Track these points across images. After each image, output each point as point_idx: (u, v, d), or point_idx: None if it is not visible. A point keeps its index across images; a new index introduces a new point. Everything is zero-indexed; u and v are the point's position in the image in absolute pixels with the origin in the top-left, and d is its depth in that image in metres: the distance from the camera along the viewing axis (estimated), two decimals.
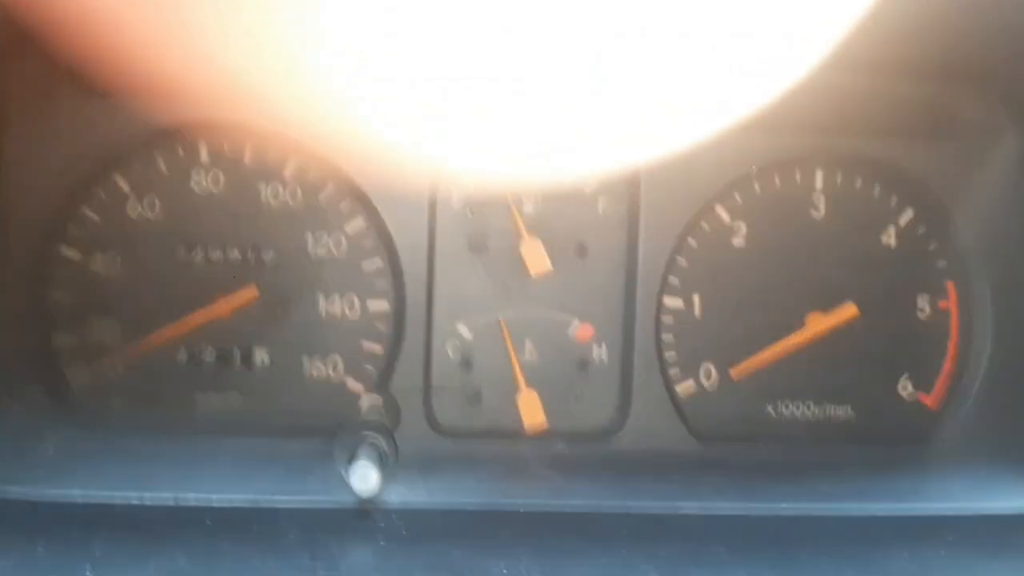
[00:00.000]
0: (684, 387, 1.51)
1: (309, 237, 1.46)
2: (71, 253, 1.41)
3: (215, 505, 1.13)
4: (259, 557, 0.98)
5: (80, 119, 1.37)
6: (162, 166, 1.43)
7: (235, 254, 1.44)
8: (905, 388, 1.55)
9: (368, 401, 1.42)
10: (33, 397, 1.36)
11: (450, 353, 1.50)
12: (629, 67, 0.56)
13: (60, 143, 1.36)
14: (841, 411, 1.54)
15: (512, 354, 1.49)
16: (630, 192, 1.49)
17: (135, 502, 1.12)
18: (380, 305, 1.48)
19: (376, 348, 1.48)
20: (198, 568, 0.95)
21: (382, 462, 1.13)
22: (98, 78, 1.33)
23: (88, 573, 0.93)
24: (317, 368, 1.47)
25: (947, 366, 1.55)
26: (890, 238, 1.54)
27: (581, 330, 1.51)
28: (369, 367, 1.48)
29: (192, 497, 1.14)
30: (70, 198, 1.40)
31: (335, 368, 1.48)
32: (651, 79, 0.57)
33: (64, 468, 1.23)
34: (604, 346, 1.51)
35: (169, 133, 1.41)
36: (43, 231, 1.38)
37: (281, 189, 1.45)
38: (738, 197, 1.50)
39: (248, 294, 1.44)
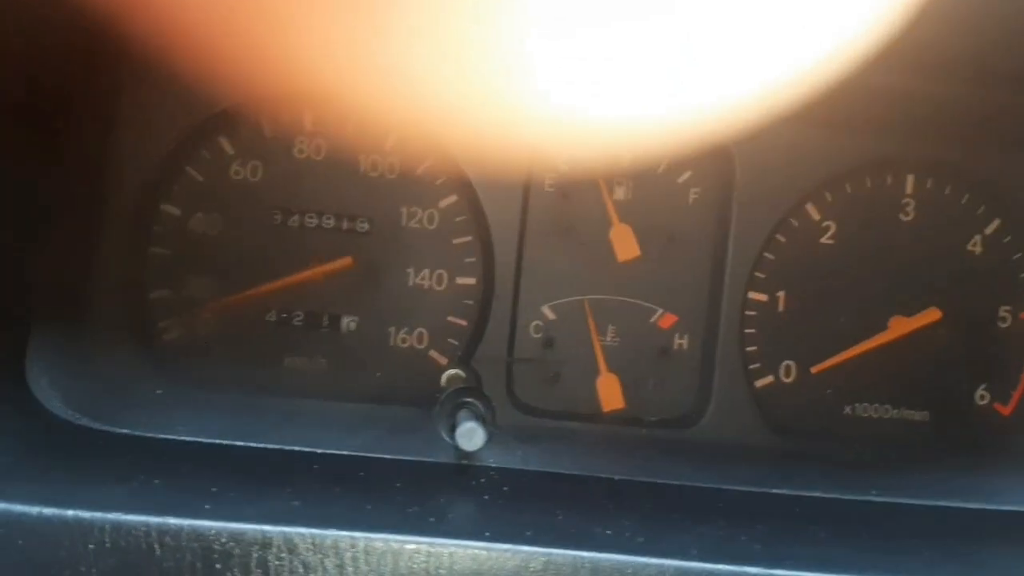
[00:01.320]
0: (764, 381, 1.52)
1: (404, 210, 1.48)
2: (173, 210, 1.44)
3: (321, 453, 1.14)
4: (371, 503, 1.00)
5: (188, 82, 1.40)
6: (266, 131, 1.45)
7: (331, 222, 1.47)
8: (983, 397, 1.55)
9: (450, 373, 1.44)
10: (130, 348, 1.39)
11: (533, 332, 1.51)
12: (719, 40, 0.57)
13: (170, 104, 1.39)
14: (917, 415, 1.55)
15: (594, 337, 1.51)
16: (722, 184, 1.50)
17: (242, 446, 1.14)
18: (468, 280, 1.50)
19: (461, 323, 1.50)
20: (312, 510, 0.97)
21: (482, 422, 1.15)
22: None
23: (207, 507, 0.94)
24: (403, 338, 1.49)
25: None
26: (976, 246, 1.55)
27: (664, 318, 1.52)
28: (454, 341, 1.50)
29: (295, 447, 1.16)
30: (176, 157, 1.42)
31: (420, 340, 1.50)
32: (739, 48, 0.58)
33: (168, 412, 1.25)
34: (686, 336, 1.52)
35: (275, 100, 1.44)
36: (148, 187, 1.41)
37: (380, 161, 1.48)
38: (829, 196, 1.52)
39: (342, 263, 1.46)
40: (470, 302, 1.50)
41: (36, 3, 1.15)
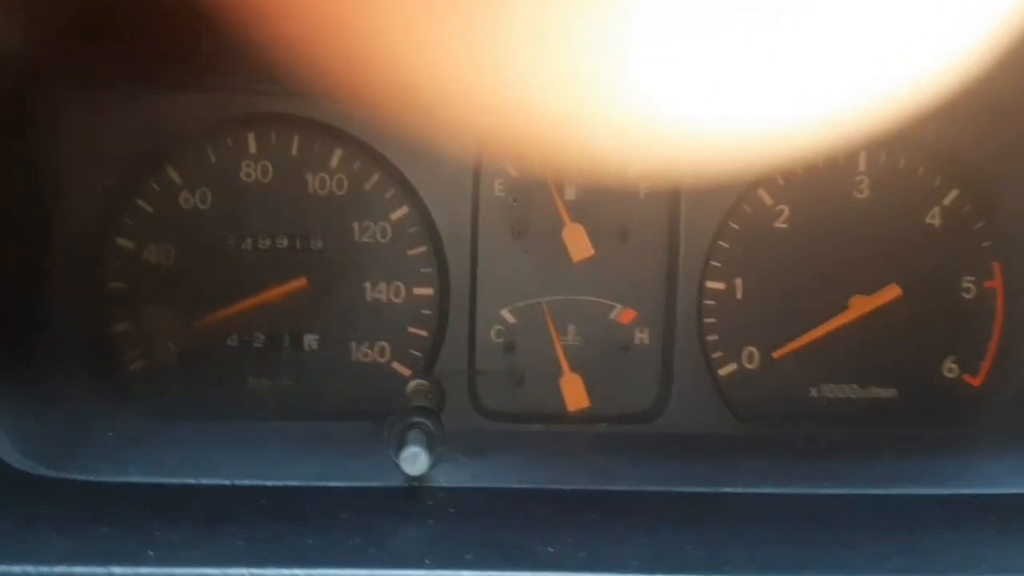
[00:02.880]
0: (726, 369, 1.52)
1: (355, 225, 1.49)
2: (126, 243, 1.45)
3: (269, 486, 1.16)
4: (314, 537, 1.02)
5: (133, 112, 1.41)
6: (212, 157, 1.46)
7: (284, 242, 1.48)
8: (951, 370, 1.54)
9: (414, 385, 1.45)
10: (92, 383, 1.41)
11: (493, 337, 1.52)
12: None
13: (113, 136, 1.40)
14: (885, 392, 1.54)
15: (555, 338, 1.51)
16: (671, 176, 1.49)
17: (192, 484, 1.16)
18: (425, 291, 1.50)
19: (422, 333, 1.51)
20: (256, 548, 0.99)
21: (430, 443, 1.16)
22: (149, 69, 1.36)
23: (150, 553, 0.96)
24: (365, 353, 1.50)
25: (993, 347, 1.54)
26: (935, 219, 1.53)
27: (623, 314, 1.52)
28: (415, 351, 1.51)
29: (247, 480, 1.18)
30: (124, 190, 1.44)
31: (382, 353, 1.51)
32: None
33: (123, 452, 1.28)
34: (647, 330, 1.52)
35: (219, 125, 1.44)
36: (99, 223, 1.43)
37: (327, 179, 1.48)
38: (780, 180, 1.50)
39: (298, 283, 1.47)
40: (428, 312, 1.51)
41: None
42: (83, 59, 1.34)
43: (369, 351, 1.51)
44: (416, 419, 1.20)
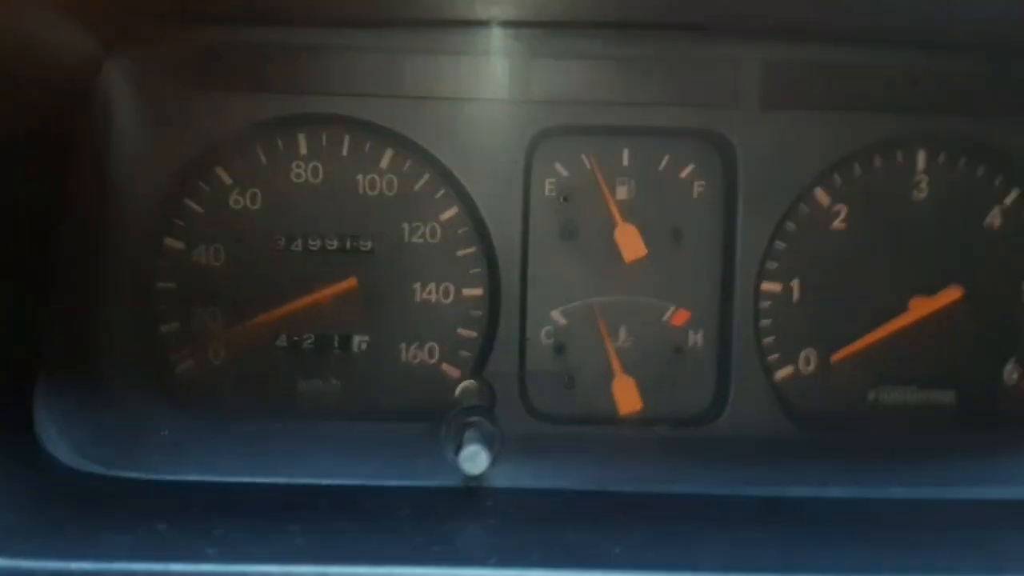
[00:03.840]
0: (783, 372, 1.49)
1: (405, 226, 1.48)
2: (176, 244, 1.45)
3: (326, 485, 1.14)
4: (375, 536, 0.99)
5: (183, 114, 1.40)
6: (263, 158, 1.45)
7: (333, 243, 1.46)
8: (1011, 373, 1.50)
9: (464, 385, 1.43)
10: (142, 384, 1.40)
11: (544, 339, 1.50)
12: None
13: (165, 136, 1.39)
14: (945, 396, 1.51)
15: (607, 340, 1.49)
16: (727, 176, 1.47)
17: (249, 483, 1.15)
18: (475, 292, 1.48)
19: (471, 334, 1.49)
20: (315, 546, 0.97)
21: (488, 442, 1.14)
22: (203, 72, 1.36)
23: (210, 551, 0.95)
24: (414, 354, 1.49)
25: None
26: (995, 219, 1.50)
27: (677, 316, 1.50)
28: (465, 353, 1.49)
29: (304, 479, 1.16)
30: (175, 191, 1.43)
31: (431, 354, 1.49)
32: None
33: (178, 451, 1.26)
34: (700, 332, 1.50)
35: (269, 126, 1.43)
36: (150, 224, 1.42)
37: (377, 179, 1.47)
38: (838, 179, 1.48)
39: (348, 284, 1.46)
40: (478, 313, 1.49)
41: (33, 56, 1.17)
42: (141, 55, 1.34)
43: (418, 352, 1.49)
44: (473, 418, 1.18)
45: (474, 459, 1.09)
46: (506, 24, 1.41)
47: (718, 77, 1.44)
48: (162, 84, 1.39)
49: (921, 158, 1.49)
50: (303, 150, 1.46)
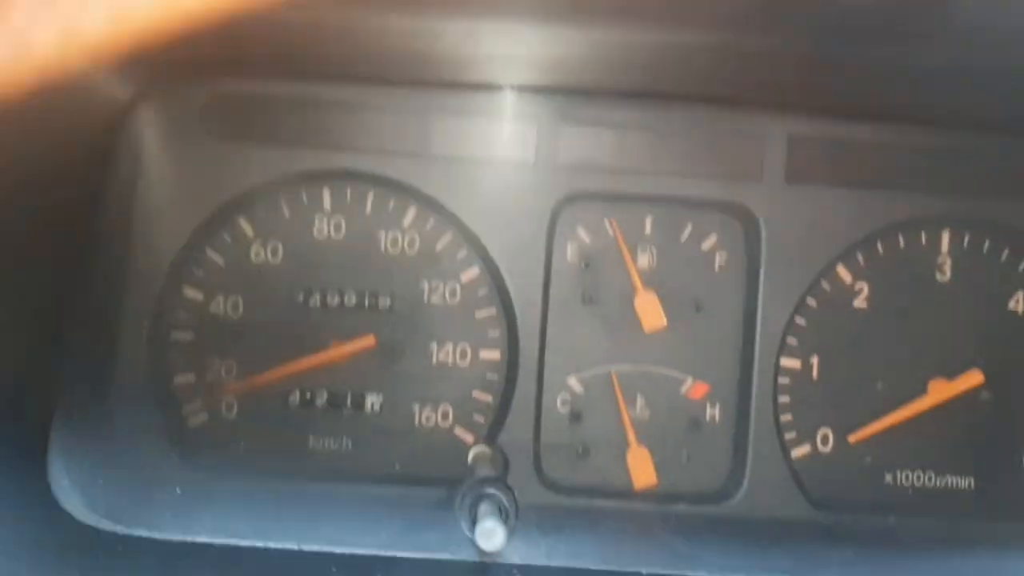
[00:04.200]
0: (800, 451, 1.47)
1: (425, 285, 1.47)
2: (194, 294, 1.44)
3: (338, 553, 1.12)
4: None
5: (210, 164, 1.40)
6: (286, 212, 1.45)
7: (352, 299, 1.45)
8: None
9: (477, 451, 1.41)
10: (155, 437, 1.38)
11: (560, 406, 1.48)
12: None
13: (190, 188, 1.39)
14: (963, 482, 1.48)
15: (623, 410, 1.47)
16: (749, 249, 1.46)
17: (259, 547, 1.12)
18: (492, 355, 1.47)
19: (487, 398, 1.47)
20: None
21: (504, 517, 1.12)
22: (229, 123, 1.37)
23: None
24: (428, 416, 1.47)
25: None
26: (1018, 304, 1.49)
27: (695, 388, 1.48)
28: (479, 417, 1.47)
29: (315, 545, 1.14)
30: (197, 241, 1.42)
31: (445, 417, 1.47)
32: None
33: (189, 510, 1.24)
34: (718, 405, 1.48)
35: (294, 180, 1.43)
36: (169, 272, 1.41)
37: (400, 237, 1.47)
38: (861, 258, 1.47)
39: (365, 342, 1.45)
40: (495, 377, 1.47)
41: (63, 103, 1.17)
42: (170, 105, 1.34)
43: (432, 414, 1.47)
44: (489, 490, 1.16)
45: (490, 536, 1.06)
46: (535, 89, 1.42)
47: (743, 150, 1.44)
48: (190, 134, 1.40)
49: (945, 239, 1.48)
50: (327, 205, 1.46)
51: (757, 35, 1.06)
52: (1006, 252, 1.49)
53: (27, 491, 1.17)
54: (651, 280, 1.47)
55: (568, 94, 1.41)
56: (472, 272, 1.47)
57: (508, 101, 1.43)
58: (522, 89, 1.41)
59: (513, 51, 1.23)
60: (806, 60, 1.18)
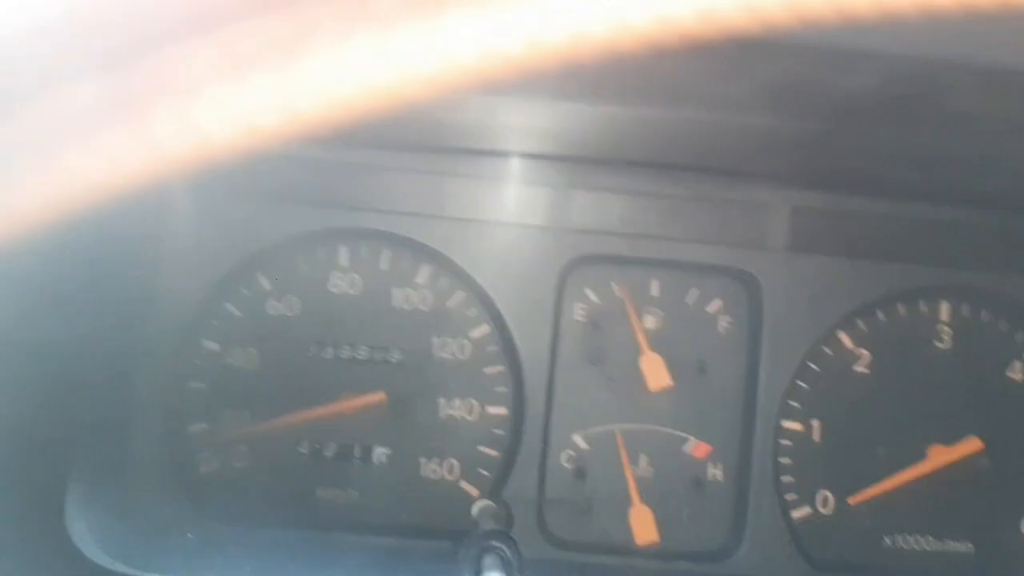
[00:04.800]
0: (800, 513, 1.49)
1: (435, 340, 1.51)
2: (212, 345, 1.48)
3: None
4: None
5: (230, 221, 1.45)
6: (303, 267, 1.50)
7: (364, 353, 1.49)
8: None
9: (481, 505, 1.44)
10: (169, 483, 1.42)
11: (564, 462, 1.51)
12: None
13: (211, 243, 1.44)
14: (961, 547, 1.50)
15: (627, 468, 1.50)
16: (752, 313, 1.50)
17: None
18: (499, 411, 1.51)
19: (493, 453, 1.50)
20: None
21: (507, 571, 1.14)
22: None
23: None
24: (434, 469, 1.50)
25: None
26: (1016, 373, 1.52)
27: (697, 448, 1.51)
28: (485, 471, 1.50)
29: None
30: (215, 294, 1.47)
31: (451, 470, 1.50)
32: None
33: (200, 556, 1.27)
34: (720, 466, 1.51)
35: (312, 237, 1.48)
36: (188, 324, 1.46)
37: (412, 293, 1.51)
38: (862, 324, 1.51)
39: (376, 397, 1.48)
40: (501, 432, 1.51)
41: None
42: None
43: (438, 468, 1.50)
44: (493, 543, 1.19)
45: None
46: (547, 157, 1.47)
47: (748, 218, 1.48)
48: (214, 193, 1.45)
49: (944, 309, 1.52)
50: (343, 262, 1.50)
51: (760, 116, 1.11)
52: (1004, 322, 1.52)
53: (46, 534, 1.20)
54: (657, 341, 1.51)
55: (578, 162, 1.47)
56: (482, 329, 1.51)
57: (521, 167, 1.48)
58: (535, 156, 1.47)
59: (528, 123, 1.28)
60: (808, 138, 1.23)
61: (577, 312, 1.52)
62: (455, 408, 1.51)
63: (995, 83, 0.90)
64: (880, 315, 1.51)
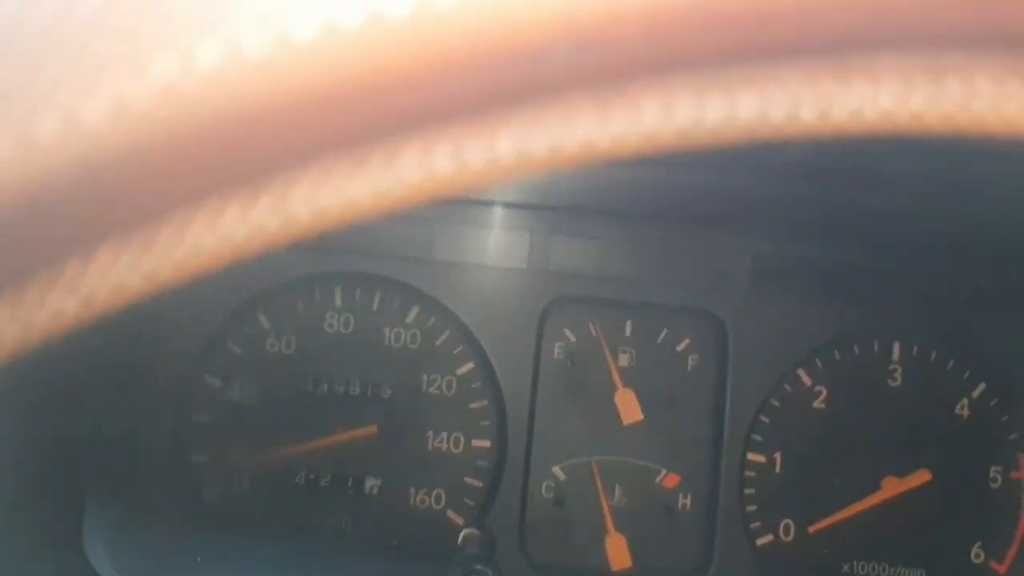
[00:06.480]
0: (764, 540, 1.59)
1: (424, 377, 1.61)
2: (214, 381, 1.58)
3: None
4: None
5: (239, 266, 1.55)
6: (301, 308, 1.60)
7: (356, 389, 1.59)
8: (978, 556, 1.61)
9: (466, 532, 1.54)
10: (175, 509, 1.51)
11: (544, 492, 1.61)
12: None
13: (215, 286, 1.54)
14: (914, 573, 1.60)
15: (602, 497, 1.60)
16: (718, 352, 1.62)
17: None
18: (483, 443, 1.61)
19: (477, 483, 1.60)
20: None
21: None
22: None
23: None
24: (422, 498, 1.60)
25: (1019, 535, 1.62)
26: (964, 409, 1.63)
27: (668, 478, 1.61)
28: (469, 500, 1.60)
29: None
30: (219, 333, 1.57)
31: (438, 500, 1.60)
32: None
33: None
34: (690, 495, 1.61)
35: (310, 280, 1.59)
36: (193, 361, 1.56)
37: (402, 332, 1.61)
38: (820, 363, 1.62)
39: (368, 430, 1.58)
40: (485, 464, 1.60)
41: None
42: None
43: (426, 497, 1.60)
44: (478, 567, 1.29)
45: None
46: (528, 206, 1.59)
47: (713, 264, 1.60)
48: None
49: (896, 349, 1.64)
50: (338, 302, 1.61)
51: (724, 176, 1.23)
52: (952, 362, 1.64)
53: (64, 558, 1.29)
54: (630, 378, 1.62)
55: (557, 210, 1.58)
56: (467, 366, 1.61)
57: (504, 214, 1.59)
58: (517, 205, 1.58)
59: (512, 180, 1.39)
60: (768, 195, 1.35)
61: (556, 351, 1.63)
62: (442, 441, 1.61)
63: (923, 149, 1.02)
64: (837, 354, 1.62)
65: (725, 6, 0.33)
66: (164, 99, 0.33)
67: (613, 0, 0.33)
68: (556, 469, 1.61)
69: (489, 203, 1.58)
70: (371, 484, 1.59)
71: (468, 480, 1.60)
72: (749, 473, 1.60)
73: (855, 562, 1.60)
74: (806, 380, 1.62)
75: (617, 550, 1.58)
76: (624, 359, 1.63)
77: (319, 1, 0.32)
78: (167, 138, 0.35)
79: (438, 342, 1.62)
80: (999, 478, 1.62)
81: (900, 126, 0.38)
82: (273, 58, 0.32)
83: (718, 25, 0.34)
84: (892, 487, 1.60)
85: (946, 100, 0.37)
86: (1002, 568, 1.61)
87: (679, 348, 1.64)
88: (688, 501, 1.61)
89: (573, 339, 1.63)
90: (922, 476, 1.60)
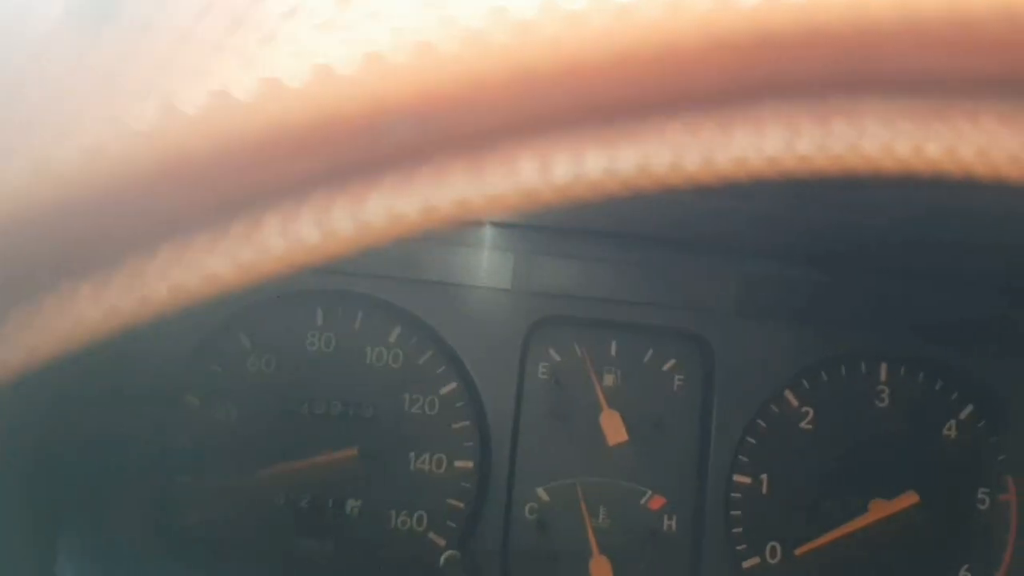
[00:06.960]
0: (750, 562, 1.58)
1: (406, 397, 1.59)
2: (193, 400, 1.55)
3: None
4: None
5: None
6: (281, 327, 1.58)
7: (337, 409, 1.57)
8: None
9: (448, 555, 1.52)
10: (150, 534, 1.48)
11: (528, 514, 1.59)
12: None
13: (200, 309, 1.52)
14: None
15: (587, 519, 1.58)
16: (704, 373, 1.60)
17: None
18: (466, 464, 1.59)
19: (459, 505, 1.58)
20: None
21: None
22: None
23: None
24: (403, 520, 1.57)
25: (1007, 558, 1.60)
26: (951, 431, 1.62)
27: (653, 500, 1.60)
28: (452, 523, 1.58)
29: None
30: (199, 352, 1.55)
31: (420, 522, 1.58)
32: None
33: None
34: (675, 517, 1.59)
35: (290, 299, 1.57)
36: (171, 381, 1.53)
37: (384, 352, 1.59)
38: (807, 384, 1.61)
39: (348, 452, 1.56)
40: (467, 485, 1.58)
41: None
42: None
43: (408, 519, 1.58)
44: None
45: None
46: (512, 226, 1.57)
47: (700, 285, 1.59)
48: None
49: (883, 370, 1.62)
50: (319, 321, 1.59)
51: (712, 198, 1.22)
52: (939, 383, 1.63)
53: None
54: (615, 398, 1.60)
55: (542, 230, 1.57)
56: (450, 386, 1.59)
57: (488, 234, 1.58)
58: (502, 225, 1.57)
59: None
60: (756, 216, 1.33)
61: (541, 371, 1.61)
62: (424, 462, 1.59)
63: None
64: (824, 376, 1.61)
65: (601, 66, 0.33)
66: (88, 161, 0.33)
67: (474, 70, 0.33)
68: (540, 491, 1.59)
69: (473, 223, 1.56)
70: (352, 506, 1.57)
71: (451, 502, 1.58)
72: (735, 495, 1.59)
73: None
74: (793, 401, 1.61)
75: (601, 572, 1.56)
76: (609, 379, 1.62)
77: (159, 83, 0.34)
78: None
79: (420, 362, 1.60)
80: (987, 500, 1.61)
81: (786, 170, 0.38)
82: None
83: (596, 83, 0.34)
84: (879, 509, 1.59)
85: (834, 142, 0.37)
86: None
87: (665, 368, 1.62)
88: (673, 523, 1.59)
89: (558, 359, 1.62)
90: (909, 498, 1.59)
